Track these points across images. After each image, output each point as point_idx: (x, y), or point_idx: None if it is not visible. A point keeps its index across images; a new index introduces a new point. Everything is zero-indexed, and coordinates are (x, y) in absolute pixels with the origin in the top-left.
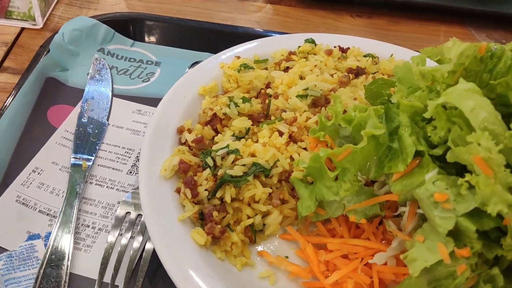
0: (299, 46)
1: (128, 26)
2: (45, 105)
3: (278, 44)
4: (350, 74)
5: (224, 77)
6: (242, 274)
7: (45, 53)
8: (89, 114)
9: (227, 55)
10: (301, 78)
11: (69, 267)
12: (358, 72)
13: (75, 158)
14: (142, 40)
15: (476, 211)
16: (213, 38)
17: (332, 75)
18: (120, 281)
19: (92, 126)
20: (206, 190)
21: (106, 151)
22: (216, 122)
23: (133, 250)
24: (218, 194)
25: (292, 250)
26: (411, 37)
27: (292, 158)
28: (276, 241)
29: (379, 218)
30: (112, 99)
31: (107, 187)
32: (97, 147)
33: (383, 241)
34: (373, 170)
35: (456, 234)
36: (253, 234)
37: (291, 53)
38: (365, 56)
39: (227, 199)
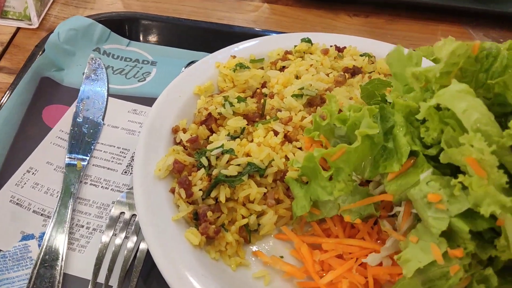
0: (295, 46)
1: (124, 25)
2: (40, 104)
3: (274, 43)
4: (346, 74)
5: (220, 77)
6: (237, 274)
7: (40, 53)
8: (84, 113)
9: (223, 54)
10: (297, 77)
11: (63, 268)
12: (354, 72)
13: (70, 158)
14: (138, 39)
15: (469, 212)
16: (209, 37)
17: (328, 75)
18: (114, 281)
19: (87, 126)
20: (200, 190)
21: (101, 151)
22: (211, 121)
23: (127, 250)
24: (213, 194)
25: (287, 250)
26: (408, 36)
27: (287, 158)
28: (271, 241)
29: (374, 218)
30: (107, 98)
31: (101, 187)
32: (92, 147)
33: (378, 241)
34: (368, 170)
35: (449, 235)
36: (248, 234)
37: (287, 52)
38: (361, 55)
39: (222, 199)
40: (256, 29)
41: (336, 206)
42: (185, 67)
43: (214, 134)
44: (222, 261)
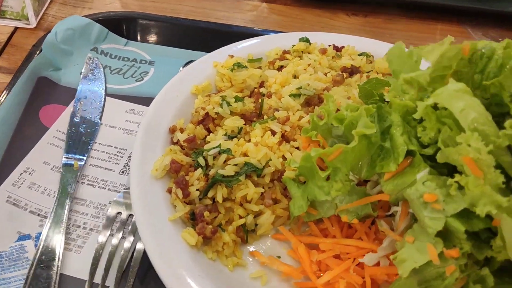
0: (293, 45)
1: (122, 25)
2: (37, 104)
3: (272, 43)
4: (344, 73)
5: (218, 76)
6: (234, 275)
7: (37, 53)
8: (81, 113)
9: (221, 54)
10: (295, 77)
11: (59, 268)
12: (352, 71)
13: (67, 158)
14: (136, 39)
15: (465, 212)
16: (207, 37)
17: (326, 74)
18: (110, 281)
19: (84, 125)
20: (197, 190)
21: (98, 150)
22: (208, 121)
23: (124, 250)
24: (210, 194)
25: (284, 250)
26: (407, 36)
27: (284, 158)
28: (268, 241)
29: (371, 218)
30: (105, 98)
31: (99, 187)
32: (89, 147)
33: (376, 241)
34: (365, 169)
35: (445, 235)
36: (245, 234)
37: (285, 52)
38: (359, 55)
39: (219, 199)
40: (255, 28)
41: (333, 206)
42: (183, 67)
43: (211, 133)
44: (219, 261)
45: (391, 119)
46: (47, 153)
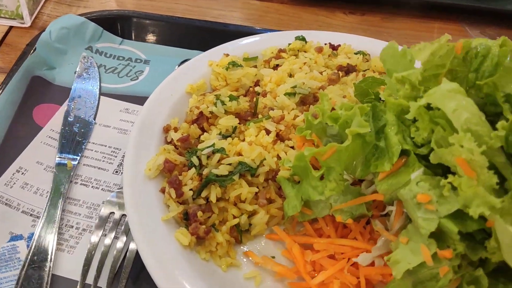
0: (289, 44)
1: (117, 24)
2: (31, 103)
3: (268, 41)
4: (340, 72)
5: (213, 75)
6: (227, 275)
7: (31, 52)
8: (75, 113)
9: (217, 53)
10: (291, 76)
11: (51, 269)
12: (348, 70)
13: (60, 157)
14: (131, 38)
15: (459, 213)
16: (203, 36)
17: (321, 73)
18: (103, 282)
19: (78, 125)
20: (191, 189)
21: (92, 150)
22: (202, 120)
23: (117, 250)
24: (204, 194)
25: (278, 250)
26: (404, 34)
27: (279, 157)
28: (262, 241)
29: (366, 217)
30: (99, 97)
31: (92, 187)
32: (83, 147)
33: (371, 241)
34: (359, 169)
35: (439, 236)
36: (239, 234)
37: (281, 50)
38: (356, 53)
39: (212, 198)
40: (251, 27)
41: (327, 206)
42: (179, 66)
43: (205, 133)
44: (212, 262)
45: (385, 118)
46: (40, 152)
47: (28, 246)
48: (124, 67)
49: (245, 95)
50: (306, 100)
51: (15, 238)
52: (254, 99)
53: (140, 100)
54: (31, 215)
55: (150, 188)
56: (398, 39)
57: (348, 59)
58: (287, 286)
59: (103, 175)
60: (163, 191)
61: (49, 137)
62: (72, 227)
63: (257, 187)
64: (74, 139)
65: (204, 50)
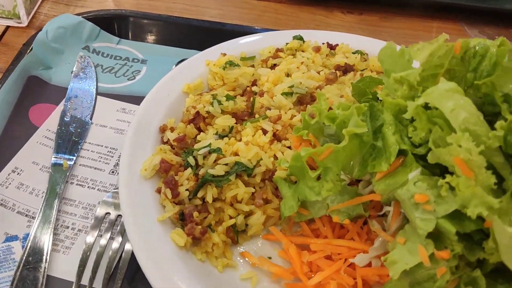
0: (286, 43)
1: (114, 23)
2: (27, 103)
3: (266, 41)
4: (337, 71)
5: (210, 75)
6: (224, 276)
7: (28, 51)
8: (72, 112)
9: (214, 52)
10: (288, 75)
11: (46, 269)
12: (346, 69)
13: (56, 157)
14: (128, 37)
15: (457, 213)
16: (201, 35)
17: (319, 72)
18: (98, 283)
19: (74, 125)
20: (187, 190)
21: (88, 150)
22: (199, 120)
23: (112, 251)
24: (200, 194)
25: (275, 251)
26: (403, 34)
27: (276, 157)
28: (259, 241)
29: (363, 218)
30: (96, 97)
31: (88, 187)
32: (80, 147)
33: (368, 242)
34: (356, 169)
35: (437, 236)
36: (236, 234)
37: (278, 50)
38: (354, 53)
39: (209, 199)
40: (249, 26)
41: (324, 206)
42: (176, 66)
43: (202, 133)
44: (208, 263)
45: (383, 118)
46: (36, 153)
47: (23, 246)
48: (121, 67)
49: (242, 95)
50: (303, 100)
51: (10, 238)
52: (251, 99)
53: (137, 100)
54: (26, 215)
55: (146, 188)
56: (396, 38)
57: (346, 58)
58: (283, 287)
59: (99, 176)
60: (159, 191)
61: (45, 137)
62: (67, 227)
63: (254, 188)
64: (70, 139)
65: (201, 50)
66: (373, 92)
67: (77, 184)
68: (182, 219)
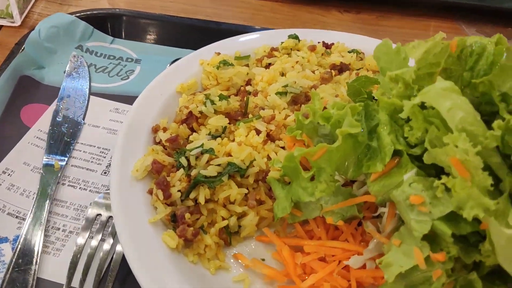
0: (282, 42)
1: (108, 23)
2: (19, 103)
3: (261, 40)
4: (332, 71)
5: (204, 74)
6: (216, 278)
7: (20, 51)
8: (64, 113)
9: (208, 51)
10: (283, 75)
11: (36, 272)
12: (342, 69)
13: (47, 158)
14: (122, 37)
15: (453, 215)
16: (195, 34)
17: (314, 72)
18: (88, 285)
19: (67, 125)
20: (179, 191)
21: (80, 151)
22: (192, 120)
23: (103, 253)
24: (192, 195)
25: (268, 252)
26: (400, 32)
27: (269, 158)
28: (252, 243)
29: (358, 219)
30: (89, 97)
31: (80, 188)
32: (72, 147)
33: (362, 243)
34: (351, 169)
35: (432, 238)
36: (228, 236)
37: (273, 49)
38: (350, 52)
39: (201, 200)
40: (244, 25)
41: (318, 207)
42: (170, 65)
43: (194, 133)
44: (200, 265)
45: (378, 118)
46: (28, 153)
47: (13, 249)
48: (114, 66)
49: (236, 95)
50: (298, 100)
51: (0, 240)
52: (245, 99)
53: (130, 99)
54: (17, 217)
55: (137, 189)
56: (394, 37)
57: (342, 57)
58: None
59: (91, 176)
60: (150, 192)
61: (37, 137)
62: (58, 229)
63: (247, 188)
64: (62, 140)
65: (196, 49)
66: (368, 92)
67: (68, 185)
68: (174, 221)
